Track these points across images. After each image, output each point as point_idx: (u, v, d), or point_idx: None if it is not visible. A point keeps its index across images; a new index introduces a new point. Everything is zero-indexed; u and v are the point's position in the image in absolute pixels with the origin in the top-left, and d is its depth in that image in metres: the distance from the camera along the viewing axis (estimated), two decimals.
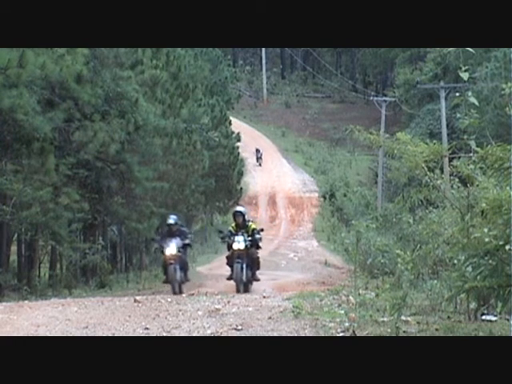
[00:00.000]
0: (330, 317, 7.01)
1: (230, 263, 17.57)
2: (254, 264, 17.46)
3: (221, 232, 18.68)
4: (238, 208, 18.55)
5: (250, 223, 17.52)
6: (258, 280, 17.94)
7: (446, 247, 6.26)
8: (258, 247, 17.84)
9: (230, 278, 17.79)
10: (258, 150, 59.00)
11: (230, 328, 6.34)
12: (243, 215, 17.48)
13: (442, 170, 7.05)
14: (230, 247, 17.55)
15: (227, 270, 18.32)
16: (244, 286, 17.11)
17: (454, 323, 6.38)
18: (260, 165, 58.47)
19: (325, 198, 52.22)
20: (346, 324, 6.42)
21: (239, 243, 17.15)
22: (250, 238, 17.13)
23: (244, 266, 16.98)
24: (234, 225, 17.43)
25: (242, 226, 17.22)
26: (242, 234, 17.12)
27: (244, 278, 16.92)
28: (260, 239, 17.59)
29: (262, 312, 7.55)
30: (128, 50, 23.99)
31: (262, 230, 18.16)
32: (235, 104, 55.43)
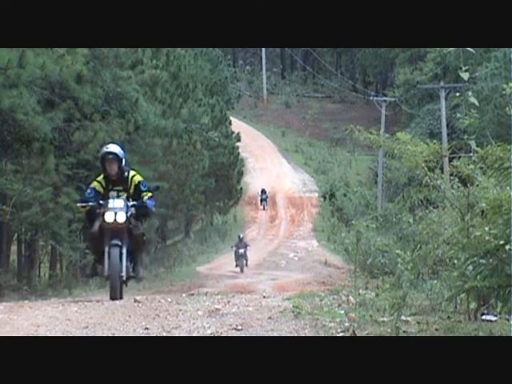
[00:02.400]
0: (330, 317, 7.02)
1: (95, 247, 10.51)
2: (136, 248, 10.50)
3: (80, 189, 11.54)
4: (110, 147, 10.53)
5: (133, 174, 10.52)
6: (140, 279, 11.05)
7: (446, 247, 6.26)
8: (146, 216, 10.81)
9: (92, 275, 11.08)
10: (263, 191, 52.21)
11: (229, 328, 6.34)
12: (119, 160, 10.26)
13: (442, 169, 7.04)
14: (91, 218, 10.46)
15: (227, 270, 18.15)
16: (121, 286, 10.31)
17: (454, 323, 6.38)
18: (264, 208, 51.69)
19: (325, 198, 52.26)
20: (346, 324, 6.42)
21: (117, 212, 10.19)
22: (132, 203, 10.31)
23: (124, 252, 10.16)
24: (101, 177, 10.48)
25: (117, 179, 10.35)
26: (120, 196, 10.36)
27: (124, 272, 10.15)
28: (152, 201, 10.47)
29: (262, 312, 7.55)
30: (128, 50, 24.00)
31: (157, 187, 11.37)
32: (235, 104, 55.45)
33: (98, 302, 8.91)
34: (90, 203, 10.37)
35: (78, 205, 10.82)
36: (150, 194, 10.47)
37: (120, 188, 10.47)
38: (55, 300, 11.30)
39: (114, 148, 10.54)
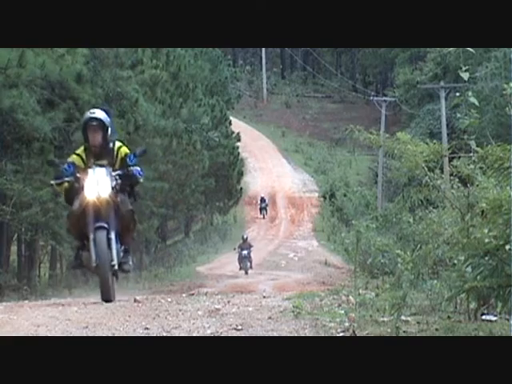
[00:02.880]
0: (330, 317, 7.02)
1: (77, 231, 8.91)
2: (126, 229, 8.90)
3: (53, 164, 10.51)
4: (94, 112, 8.96)
5: (119, 145, 9.07)
6: (127, 270, 9.15)
7: (446, 247, 6.26)
8: (132, 195, 9.11)
9: (78, 265, 9.24)
10: (262, 200, 50.42)
11: (229, 328, 6.34)
12: (104, 128, 8.85)
13: (442, 169, 7.03)
14: (70, 196, 8.92)
15: (227, 270, 18.19)
16: (113, 279, 8.87)
17: (454, 323, 6.38)
18: (264, 217, 49.92)
19: (325, 197, 52.28)
20: (346, 324, 6.41)
21: (99, 184, 8.67)
22: (117, 172, 8.81)
23: (112, 236, 8.64)
24: (82, 150, 9.09)
25: (100, 151, 8.92)
26: (104, 166, 8.82)
27: (115, 260, 8.69)
28: (139, 172, 8.90)
29: (262, 312, 7.55)
30: (128, 50, 24.02)
31: (144, 151, 9.40)
32: (235, 104, 55.45)
33: (96, 303, 8.90)
34: (66, 178, 8.79)
35: (52, 182, 9.11)
36: (138, 169, 8.94)
37: (104, 162, 8.91)
38: (55, 300, 11.28)
39: (98, 114, 8.92)
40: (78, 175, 8.80)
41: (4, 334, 5.72)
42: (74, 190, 8.85)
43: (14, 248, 26.07)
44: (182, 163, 30.09)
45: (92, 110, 9.11)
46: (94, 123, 8.89)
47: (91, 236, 8.67)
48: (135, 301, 9.02)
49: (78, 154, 9.14)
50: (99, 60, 23.20)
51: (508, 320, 6.05)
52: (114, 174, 8.83)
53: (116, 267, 8.79)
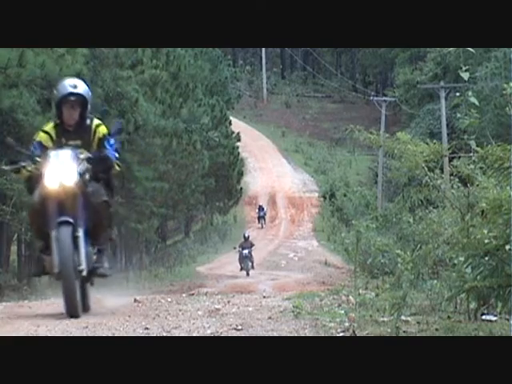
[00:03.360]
0: (330, 317, 7.02)
1: (37, 228, 7.27)
2: (99, 225, 7.25)
3: (8, 145, 7.80)
4: (75, 84, 7.38)
5: (98, 123, 7.48)
6: (102, 275, 7.47)
7: (446, 247, 6.26)
8: (110, 184, 7.58)
9: (38, 272, 7.53)
10: (261, 208, 48.64)
11: (230, 328, 6.34)
12: (84, 104, 7.31)
13: (442, 169, 7.04)
14: (31, 185, 7.32)
15: (227, 270, 18.15)
16: (83, 287, 7.39)
17: (454, 323, 6.38)
18: (262, 227, 47.80)
19: (325, 197, 52.30)
20: (346, 324, 6.41)
21: (62, 170, 6.98)
22: (87, 155, 7.21)
23: (81, 233, 7.00)
24: (51, 126, 7.49)
25: (74, 129, 7.36)
26: (70, 148, 7.20)
27: (83, 265, 7.00)
28: (114, 155, 7.36)
29: (262, 312, 7.55)
30: (128, 50, 24.03)
31: (120, 128, 8.22)
32: (235, 104, 55.47)
33: (96, 303, 8.89)
34: (23, 163, 7.19)
35: (5, 168, 7.58)
36: (113, 151, 7.39)
37: (77, 142, 7.30)
38: (55, 300, 11.30)
39: (80, 88, 7.31)
40: (37, 159, 7.13)
41: (4, 334, 5.72)
42: (35, 178, 7.18)
43: (13, 248, 26.06)
44: (182, 163, 30.08)
45: (71, 82, 7.39)
46: (73, 98, 7.28)
47: (52, 234, 6.93)
48: (135, 301, 9.03)
49: (46, 132, 7.48)
50: (99, 60, 23.21)
51: (508, 320, 6.05)
52: (82, 157, 7.14)
53: (85, 273, 7.07)
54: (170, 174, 29.01)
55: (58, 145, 7.31)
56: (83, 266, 7.05)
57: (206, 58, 42.51)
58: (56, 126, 7.49)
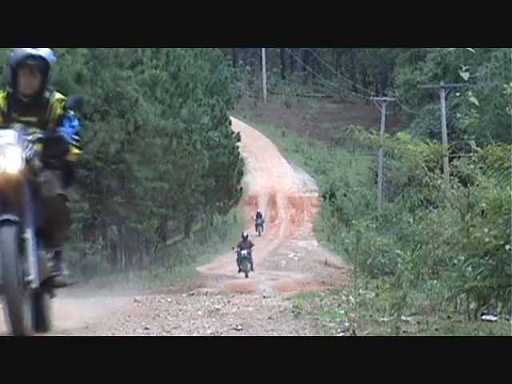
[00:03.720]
0: (330, 317, 7.02)
1: None
2: (53, 223, 5.87)
3: None
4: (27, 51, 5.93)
5: (58, 97, 6.13)
6: (61, 284, 6.42)
7: (446, 247, 6.26)
8: (70, 174, 6.26)
9: None
10: (259, 215, 46.63)
11: (230, 328, 6.34)
12: (45, 71, 5.99)
13: (442, 169, 7.04)
14: None
15: (227, 270, 18.13)
16: (39, 293, 6.04)
17: (454, 323, 6.38)
18: (259, 234, 45.16)
19: (325, 197, 52.31)
20: (346, 324, 6.42)
21: (4, 153, 5.57)
22: (37, 135, 5.86)
23: (29, 235, 5.59)
24: (3, 96, 6.08)
25: (30, 102, 6.02)
26: (21, 128, 5.82)
27: (32, 275, 5.60)
28: (70, 135, 6.02)
29: (262, 312, 7.55)
30: (128, 50, 24.03)
31: (79, 101, 6.29)
32: (235, 104, 55.47)
33: (96, 303, 8.90)
34: None
35: None
36: (68, 130, 6.06)
37: (31, 119, 6.00)
38: (56, 300, 11.30)
39: (41, 49, 5.99)
40: None
41: (4, 334, 5.72)
42: None
43: None
44: (182, 163, 30.08)
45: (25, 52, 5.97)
46: (32, 63, 5.95)
47: None
48: (135, 301, 9.03)
49: None
50: (99, 60, 23.21)
51: (508, 320, 6.05)
52: (30, 138, 5.81)
53: (35, 285, 5.68)
54: (170, 173, 29.00)
55: (8, 119, 5.97)
56: (33, 276, 5.62)
57: (206, 58, 42.51)
58: (8, 97, 6.08)
